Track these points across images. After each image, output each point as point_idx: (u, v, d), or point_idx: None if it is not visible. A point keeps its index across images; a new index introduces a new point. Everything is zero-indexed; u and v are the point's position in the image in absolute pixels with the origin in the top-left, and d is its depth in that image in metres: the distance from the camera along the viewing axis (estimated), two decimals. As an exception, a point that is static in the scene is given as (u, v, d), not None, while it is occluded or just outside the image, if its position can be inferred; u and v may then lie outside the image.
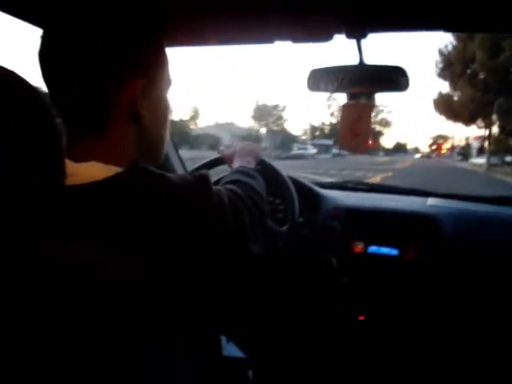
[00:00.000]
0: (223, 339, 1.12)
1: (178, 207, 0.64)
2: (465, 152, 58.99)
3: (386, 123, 78.75)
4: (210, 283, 0.70)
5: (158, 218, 0.61)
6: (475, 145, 55.79)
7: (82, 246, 0.58)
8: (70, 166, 0.61)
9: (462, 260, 1.63)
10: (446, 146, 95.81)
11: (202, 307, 0.71)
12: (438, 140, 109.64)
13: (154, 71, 0.72)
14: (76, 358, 0.55)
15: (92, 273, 0.57)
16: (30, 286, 0.55)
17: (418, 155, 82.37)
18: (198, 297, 0.68)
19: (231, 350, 1.18)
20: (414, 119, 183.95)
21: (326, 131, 77.09)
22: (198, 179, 0.70)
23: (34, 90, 0.55)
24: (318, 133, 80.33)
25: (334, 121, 78.02)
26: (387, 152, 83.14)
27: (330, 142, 70.67)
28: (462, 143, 69.97)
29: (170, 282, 0.62)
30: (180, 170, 1.70)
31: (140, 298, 0.59)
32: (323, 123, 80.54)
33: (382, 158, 53.98)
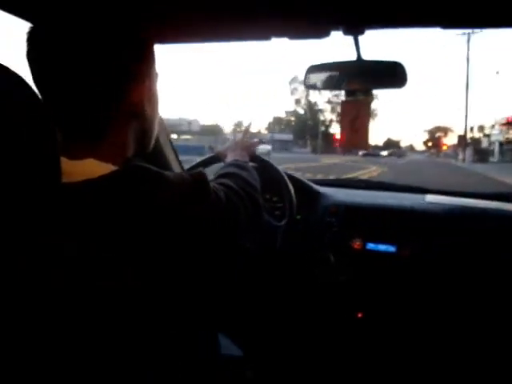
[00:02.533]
0: (221, 337, 1.12)
1: (176, 205, 0.64)
2: (482, 149, 41.71)
3: (371, 113, 69.27)
4: (207, 279, 0.70)
5: (156, 215, 0.61)
6: (495, 137, 42.47)
7: (78, 244, 0.57)
8: (66, 164, 0.61)
9: (460, 256, 1.63)
10: (447, 141, 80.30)
11: (200, 304, 0.71)
12: (436, 133, 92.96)
13: (152, 69, 0.74)
14: (71, 357, 0.55)
15: (88, 271, 0.56)
16: (27, 284, 0.54)
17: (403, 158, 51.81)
18: (196, 294, 0.68)
19: (230, 348, 1.18)
20: (406, 111, 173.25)
21: (293, 123, 69.46)
22: (196, 177, 0.70)
23: (30, 89, 0.55)
24: (283, 126, 71.47)
25: (301, 110, 69.63)
26: (374, 150, 68.59)
27: (288, 136, 63.24)
28: (475, 135, 50.69)
29: (168, 280, 0.62)
30: (177, 169, 1.69)
31: (138, 297, 0.59)
32: (288, 113, 71.53)
33: (354, 158, 38.90)
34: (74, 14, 0.63)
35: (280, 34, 1.09)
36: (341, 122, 1.16)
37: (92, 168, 0.63)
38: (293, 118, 70.44)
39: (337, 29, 0.99)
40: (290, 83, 65.11)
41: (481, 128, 48.33)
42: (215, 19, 1.05)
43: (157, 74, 0.77)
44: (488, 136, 45.76)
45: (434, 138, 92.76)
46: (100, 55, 0.63)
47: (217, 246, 0.70)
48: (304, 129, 65.21)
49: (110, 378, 0.58)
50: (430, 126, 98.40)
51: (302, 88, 63.91)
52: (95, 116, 0.66)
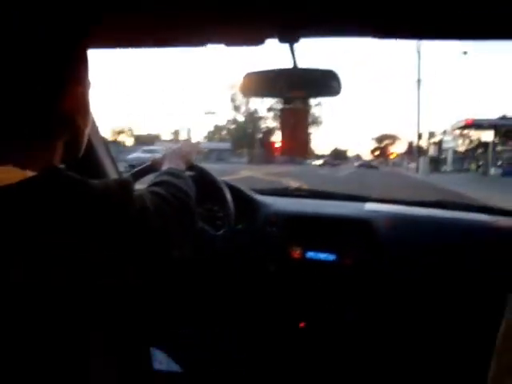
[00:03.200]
0: (157, 352, 1.08)
1: (96, 212, 0.60)
2: (434, 157, 36.95)
3: (314, 120, 59.94)
4: (134, 290, 0.67)
5: (72, 223, 0.58)
6: (448, 144, 38.67)
7: None
8: None
9: (399, 263, 1.68)
10: (395, 150, 77.44)
11: (127, 318, 0.67)
12: (384, 141, 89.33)
13: (86, 75, 0.70)
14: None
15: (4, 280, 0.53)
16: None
17: (349, 167, 50.14)
18: (121, 307, 0.64)
19: (166, 362, 1.13)
20: (354, 120, 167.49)
21: (233, 132, 64.62)
22: (119, 184, 0.68)
23: None
24: (225, 134, 66.94)
25: (241, 118, 64.63)
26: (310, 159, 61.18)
27: (226, 145, 58.84)
28: (422, 143, 41.91)
29: (88, 291, 0.58)
30: (113, 175, 1.64)
31: (55, 309, 0.55)
32: (229, 121, 66.42)
33: (277, 169, 30.30)
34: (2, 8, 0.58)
35: (216, 40, 1.09)
36: (281, 129, 1.17)
37: (9, 175, 0.58)
38: (233, 126, 66.38)
39: (272, 36, 0.99)
40: (230, 89, 61.98)
41: (431, 134, 44.06)
42: (151, 24, 1.03)
43: (89, 82, 0.74)
44: (437, 143, 41.55)
45: (382, 146, 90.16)
46: (28, 54, 0.59)
47: (142, 253, 0.67)
48: (244, 137, 61.66)
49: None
50: (378, 135, 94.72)
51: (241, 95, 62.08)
52: (19, 123, 0.61)
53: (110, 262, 0.61)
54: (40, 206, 0.57)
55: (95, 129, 1.52)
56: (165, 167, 1.09)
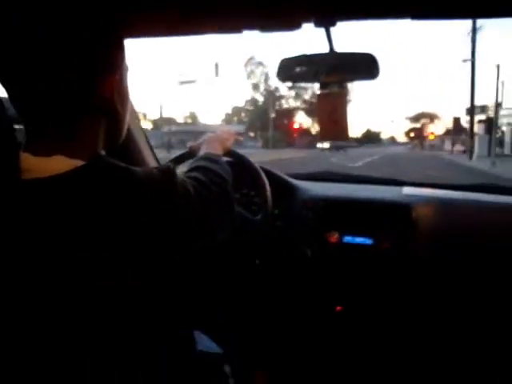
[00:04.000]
0: (198, 333, 1.11)
1: (142, 200, 0.63)
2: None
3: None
4: (180, 275, 0.69)
5: (121, 210, 0.60)
6: (505, 119, 28.74)
7: (41, 240, 0.56)
8: (33, 161, 0.60)
9: (436, 248, 1.65)
10: (433, 130, 65.06)
11: (173, 301, 0.70)
12: (421, 120, 78.52)
13: (123, 61, 0.73)
14: (71, 356, 0.56)
15: (52, 268, 0.56)
16: (26, 284, 0.55)
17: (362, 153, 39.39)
18: (167, 291, 0.67)
19: (208, 345, 1.17)
20: (388, 100, 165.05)
21: (251, 113, 57.76)
22: (163, 171, 0.70)
23: None
24: (243, 114, 60.62)
25: (260, 97, 57.17)
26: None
27: (239, 128, 49.41)
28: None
29: (136, 278, 0.60)
30: (152, 164, 1.67)
31: (107, 296, 0.57)
32: (248, 102, 59.82)
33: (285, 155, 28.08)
34: (40, 3, 0.60)
35: (252, 26, 1.08)
36: (318, 115, 1.16)
37: (59, 164, 0.62)
38: (252, 108, 60.65)
39: (308, 21, 0.99)
40: (246, 66, 56.41)
41: (482, 109, 31.07)
42: (188, 12, 1.04)
43: (127, 68, 0.76)
44: (488, 120, 29.04)
45: (418, 127, 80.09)
46: (68, 47, 0.61)
47: (187, 238, 0.69)
48: (264, 119, 54.71)
49: (107, 376, 0.58)
50: (414, 114, 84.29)
51: (259, 70, 55.15)
52: (63, 112, 0.64)
53: (154, 245, 0.63)
54: (90, 194, 0.59)
55: (134, 116, 1.55)
56: (202, 153, 1.10)
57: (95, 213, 0.58)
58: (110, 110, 0.71)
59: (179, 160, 1.43)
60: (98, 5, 0.65)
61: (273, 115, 53.58)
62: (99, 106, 0.68)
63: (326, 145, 42.93)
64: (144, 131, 1.67)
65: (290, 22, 1.04)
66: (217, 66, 30.95)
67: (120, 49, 0.72)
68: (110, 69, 0.68)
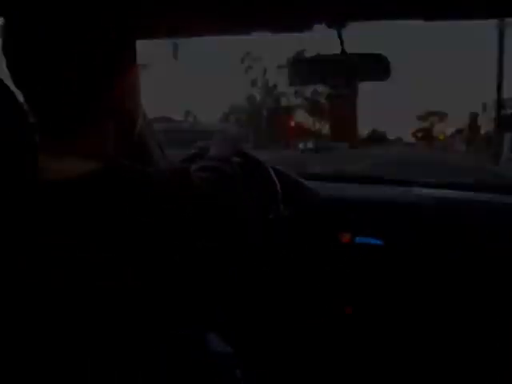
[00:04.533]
0: (211, 335, 1.11)
1: (161, 203, 0.63)
2: None
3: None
4: (194, 274, 0.69)
5: (138, 214, 0.60)
6: None
7: (57, 242, 0.57)
8: (45, 162, 0.60)
9: (450, 249, 1.64)
10: (441, 129, 61.39)
11: (173, 301, 0.70)
12: (429, 119, 73.79)
13: (134, 62, 0.72)
14: (71, 357, 0.56)
15: (53, 268, 0.56)
16: (26, 284, 0.55)
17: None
18: (167, 291, 0.67)
19: (219, 345, 1.17)
20: (396, 99, 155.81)
21: (249, 111, 52.31)
22: (178, 172, 0.70)
23: (6, 87, 0.53)
24: (243, 114, 54.55)
25: (258, 95, 51.83)
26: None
27: (231, 126, 44.77)
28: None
29: (136, 278, 0.61)
30: (163, 165, 1.68)
31: (128, 298, 0.58)
32: (246, 99, 54.18)
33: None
34: (51, 3, 0.61)
35: (263, 28, 1.09)
36: (330, 117, 1.16)
37: (72, 166, 0.62)
38: (247, 105, 54.68)
39: (320, 22, 0.99)
40: (243, 61, 51.57)
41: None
42: (199, 14, 1.04)
43: (138, 71, 0.76)
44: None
45: (426, 127, 75.61)
46: (79, 47, 0.61)
47: (203, 238, 0.70)
48: (259, 118, 50.51)
49: (107, 376, 0.58)
50: (422, 113, 79.20)
51: (258, 66, 49.63)
52: (75, 112, 0.64)
53: (172, 245, 0.63)
54: (106, 199, 0.60)
55: (145, 117, 1.56)
56: (211, 153, 1.10)
57: (107, 216, 0.59)
58: (120, 110, 0.70)
59: (189, 160, 1.44)
60: (99, 5, 0.65)
61: (265, 113, 50.93)
62: (109, 106, 0.68)
63: (310, 144, 37.05)
64: (155, 131, 1.67)
65: (302, 24, 1.04)
66: (176, 45, 22.75)
67: (131, 49, 0.71)
68: (118, 69, 0.67)
